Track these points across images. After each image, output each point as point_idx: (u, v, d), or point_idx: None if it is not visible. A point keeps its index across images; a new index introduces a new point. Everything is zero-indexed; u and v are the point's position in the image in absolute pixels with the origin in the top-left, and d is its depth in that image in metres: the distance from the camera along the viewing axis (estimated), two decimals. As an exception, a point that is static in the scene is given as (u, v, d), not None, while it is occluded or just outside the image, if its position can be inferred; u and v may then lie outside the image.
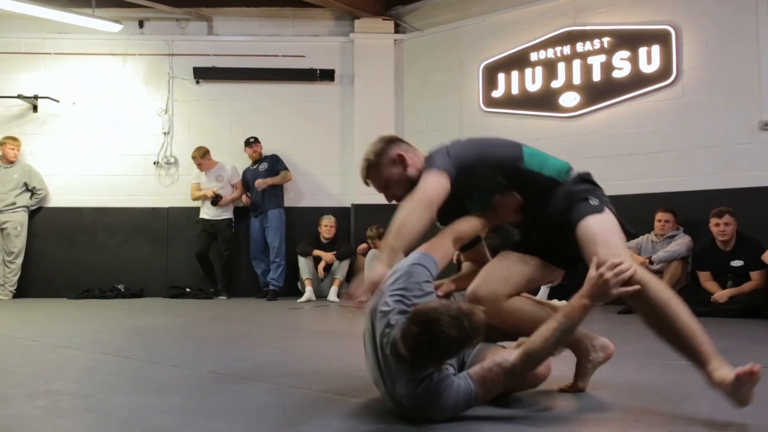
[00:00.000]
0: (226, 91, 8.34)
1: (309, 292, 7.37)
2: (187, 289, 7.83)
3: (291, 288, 7.74)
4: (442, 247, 2.39)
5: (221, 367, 3.11)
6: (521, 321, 2.49)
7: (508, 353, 2.07)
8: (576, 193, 2.41)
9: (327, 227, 7.76)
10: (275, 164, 7.91)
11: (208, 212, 7.83)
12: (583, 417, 2.17)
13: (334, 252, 7.64)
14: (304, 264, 7.58)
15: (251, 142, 7.91)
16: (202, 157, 7.79)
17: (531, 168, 2.44)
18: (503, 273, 2.45)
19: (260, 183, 7.70)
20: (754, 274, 5.47)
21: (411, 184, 2.45)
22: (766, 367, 2.47)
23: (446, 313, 1.92)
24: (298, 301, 7.23)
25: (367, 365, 2.26)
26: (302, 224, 8.09)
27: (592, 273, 2.08)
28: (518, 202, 2.46)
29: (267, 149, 8.03)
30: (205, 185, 7.85)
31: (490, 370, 2.03)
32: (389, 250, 2.23)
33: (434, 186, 2.33)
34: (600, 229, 2.29)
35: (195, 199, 7.89)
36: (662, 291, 2.15)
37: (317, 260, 7.62)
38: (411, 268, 2.18)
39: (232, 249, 7.96)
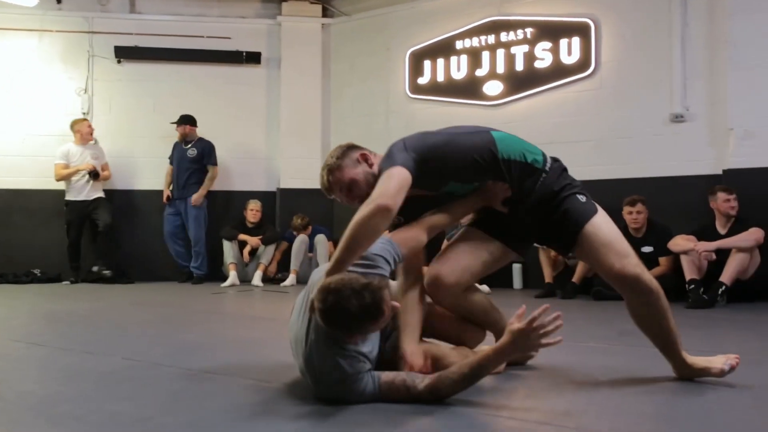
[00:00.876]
0: (149, 71, 8.14)
1: (233, 276, 7.32)
2: (107, 273, 7.65)
3: (214, 272, 7.67)
4: (412, 239, 2.32)
5: (136, 353, 3.07)
6: (472, 314, 2.58)
7: (420, 379, 2.06)
8: (563, 188, 2.43)
9: (253, 211, 7.71)
10: (205, 156, 7.74)
11: (80, 193, 7.52)
12: (498, 399, 2.25)
13: (260, 236, 7.60)
14: (228, 248, 7.52)
15: (178, 123, 7.77)
16: (89, 126, 7.64)
17: (508, 156, 2.38)
18: (466, 261, 2.48)
19: (196, 200, 7.60)
20: (663, 260, 5.73)
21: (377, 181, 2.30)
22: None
23: (349, 287, 1.90)
24: (222, 285, 7.17)
25: (290, 328, 2.27)
26: (227, 208, 8.02)
27: (514, 327, 1.97)
28: (507, 193, 2.42)
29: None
30: (77, 161, 7.54)
31: (398, 386, 2.04)
32: (337, 264, 2.07)
33: (394, 188, 2.15)
34: (607, 238, 2.36)
35: (63, 178, 7.54)
36: (663, 299, 2.32)
37: (242, 244, 7.57)
38: (369, 256, 2.17)
39: (149, 232, 7.83)
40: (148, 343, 3.48)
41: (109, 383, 2.46)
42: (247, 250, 7.54)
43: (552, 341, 1.96)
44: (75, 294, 6.38)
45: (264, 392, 2.29)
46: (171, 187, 7.85)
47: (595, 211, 2.42)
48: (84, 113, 8.00)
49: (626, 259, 2.31)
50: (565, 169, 2.52)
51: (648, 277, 2.32)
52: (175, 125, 7.75)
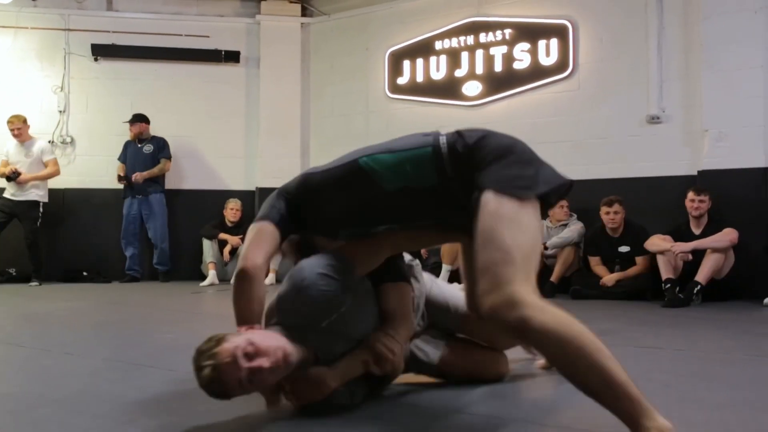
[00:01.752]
0: (127, 69, 8.08)
1: (212, 275, 7.30)
2: (84, 273, 7.60)
3: (196, 272, 7.64)
4: (367, 255, 2.06)
5: (117, 354, 3.06)
6: None
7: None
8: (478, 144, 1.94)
9: (233, 210, 7.70)
10: (160, 150, 7.74)
11: (10, 190, 7.32)
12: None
13: (240, 236, 7.58)
14: (208, 247, 7.50)
15: (132, 121, 7.73)
16: (24, 123, 7.33)
17: (398, 176, 1.95)
18: None
19: (138, 177, 7.54)
20: (639, 260, 5.81)
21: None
22: (641, 347, 2.66)
23: (196, 362, 1.83)
24: (201, 284, 7.16)
25: None
26: (205, 207, 7.97)
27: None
28: None
29: (169, 131, 7.88)
30: (13, 158, 7.34)
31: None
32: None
33: (246, 247, 2.02)
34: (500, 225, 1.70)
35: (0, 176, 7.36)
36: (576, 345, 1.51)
37: (222, 243, 7.54)
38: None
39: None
40: (128, 343, 3.46)
41: (90, 385, 2.45)
42: (227, 249, 7.52)
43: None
44: (52, 294, 6.32)
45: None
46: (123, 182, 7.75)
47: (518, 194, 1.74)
48: (60, 111, 7.94)
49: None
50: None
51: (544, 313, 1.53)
52: (128, 124, 7.73)
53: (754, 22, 5.85)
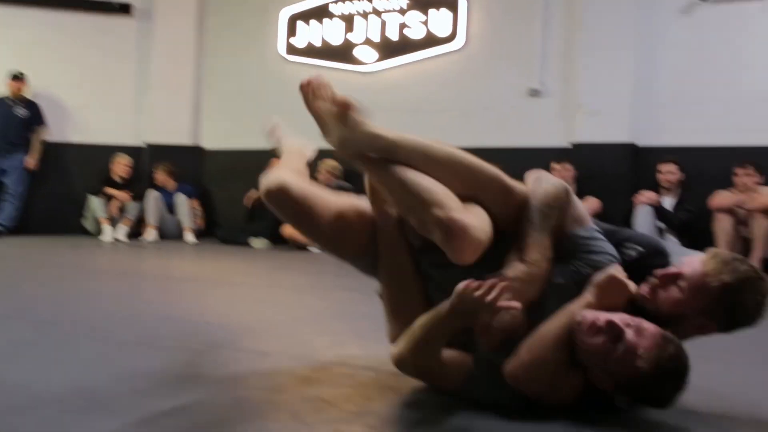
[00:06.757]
0: (7, 15, 7.74)
1: (108, 230, 7.19)
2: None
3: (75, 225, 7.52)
4: None
5: None
6: None
7: None
8: None
9: (121, 165, 7.59)
10: (35, 118, 7.54)
11: None
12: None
13: (130, 192, 7.46)
14: (97, 203, 7.35)
15: (18, 78, 7.47)
16: None
17: None
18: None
19: (31, 164, 7.45)
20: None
21: None
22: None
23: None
24: (103, 239, 7.09)
25: None
26: (91, 162, 7.81)
27: (459, 286, 1.67)
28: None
29: (55, 81, 7.64)
30: None
31: None
32: None
33: None
34: None
35: None
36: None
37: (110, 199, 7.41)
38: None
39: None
40: None
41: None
42: (115, 205, 7.38)
43: (506, 304, 1.64)
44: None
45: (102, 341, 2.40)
46: None
47: None
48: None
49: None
50: None
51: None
52: (11, 80, 7.44)
53: (627, 6, 6.29)
